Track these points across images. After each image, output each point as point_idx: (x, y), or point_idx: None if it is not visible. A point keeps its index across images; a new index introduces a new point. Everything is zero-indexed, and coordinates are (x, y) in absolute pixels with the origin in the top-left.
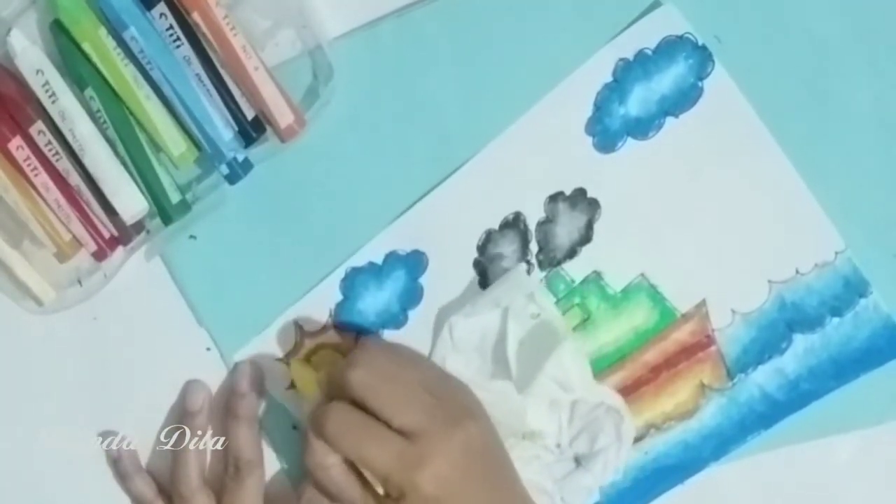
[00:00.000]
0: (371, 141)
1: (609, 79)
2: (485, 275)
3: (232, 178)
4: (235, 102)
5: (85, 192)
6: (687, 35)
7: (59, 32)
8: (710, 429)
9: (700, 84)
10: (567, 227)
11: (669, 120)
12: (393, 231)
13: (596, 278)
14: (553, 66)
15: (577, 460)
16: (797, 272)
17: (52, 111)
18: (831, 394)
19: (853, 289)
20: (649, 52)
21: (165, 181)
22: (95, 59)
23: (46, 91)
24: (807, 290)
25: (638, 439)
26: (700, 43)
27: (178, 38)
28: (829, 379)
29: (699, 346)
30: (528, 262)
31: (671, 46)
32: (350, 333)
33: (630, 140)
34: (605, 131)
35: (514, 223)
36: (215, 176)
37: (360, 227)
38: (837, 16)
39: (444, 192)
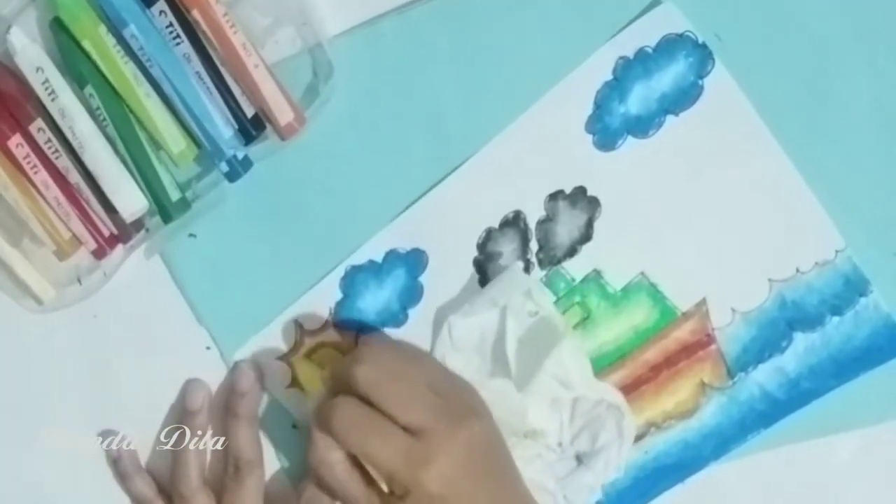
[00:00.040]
0: (371, 139)
1: (609, 77)
2: (485, 273)
3: (232, 176)
4: (235, 100)
5: (84, 190)
6: (687, 33)
7: (58, 30)
8: (710, 428)
9: (700, 82)
10: (567, 226)
11: (670, 118)
12: (393, 229)
13: (596, 277)
14: (553, 64)
15: (579, 458)
16: (797, 271)
17: (52, 109)
18: (831, 393)
19: (853, 287)
20: (649, 51)
21: (165, 179)
22: (95, 56)
23: (46, 89)
24: (807, 288)
25: (638, 438)
26: (700, 41)
27: (178, 36)
28: (829, 378)
29: (699, 344)
30: (528, 261)
31: (671, 45)
32: (350, 332)
33: (630, 138)
34: (606, 129)
35: (514, 221)
36: (215, 174)
37: (360, 225)
38: (837, 15)
39: (444, 191)
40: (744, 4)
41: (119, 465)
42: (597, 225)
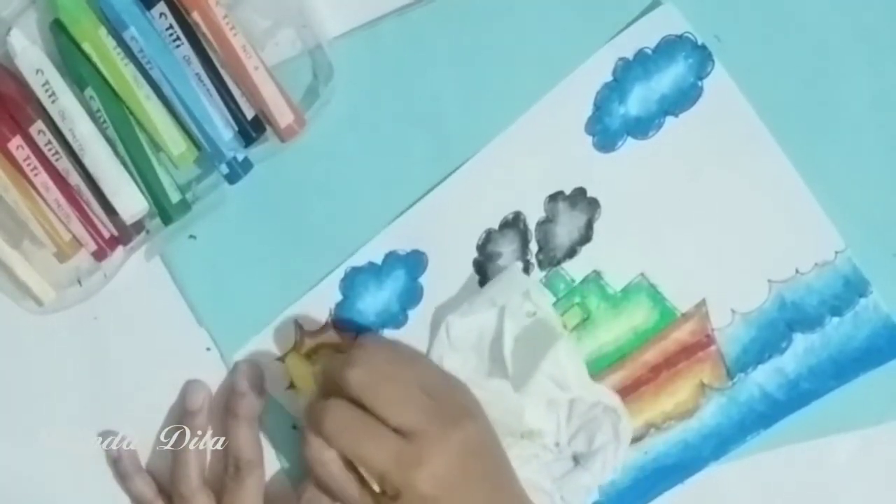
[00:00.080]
0: (371, 141)
1: (609, 78)
2: (485, 274)
3: (232, 178)
4: (235, 102)
5: (85, 192)
6: (687, 34)
7: (59, 32)
8: (710, 428)
9: (700, 83)
10: (567, 227)
11: (669, 119)
12: (393, 231)
13: (596, 278)
14: (553, 65)
15: (576, 459)
16: (797, 272)
17: (52, 111)
18: (831, 393)
19: (853, 288)
20: (649, 52)
21: (165, 181)
22: (95, 58)
23: (46, 91)
24: (807, 289)
25: (638, 439)
26: (700, 42)
27: (178, 38)
28: (828, 378)
29: (699, 345)
30: (528, 262)
31: (671, 46)
32: (350, 333)
33: (630, 139)
34: (605, 131)
35: (513, 223)
36: (215, 175)
37: (360, 226)
38: (837, 16)
39: (444, 192)
40: (743, 5)
41: (119, 465)
42: (596, 226)
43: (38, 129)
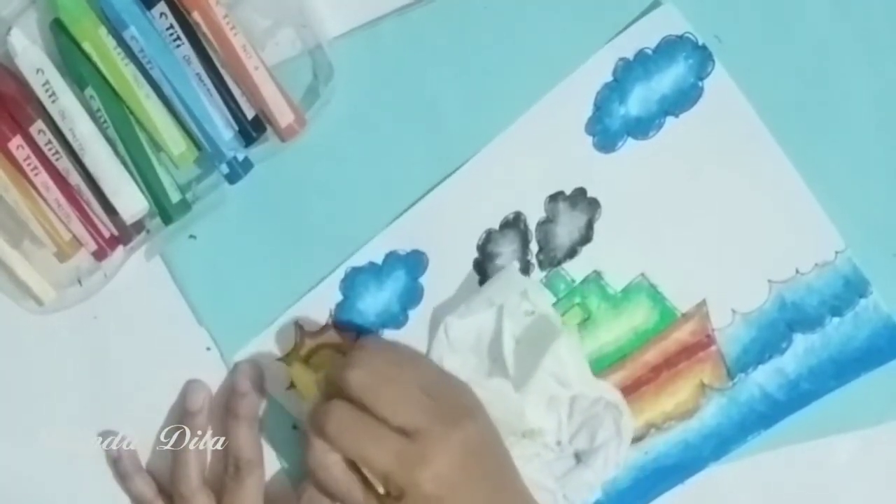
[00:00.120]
0: (371, 140)
1: (609, 78)
2: (485, 274)
3: (232, 178)
4: (235, 102)
5: (85, 192)
6: (687, 35)
7: (59, 32)
8: (710, 428)
9: (700, 84)
10: (567, 227)
11: (669, 120)
12: (393, 231)
13: (596, 278)
14: (553, 65)
15: (578, 457)
16: (797, 272)
17: (53, 110)
18: (831, 394)
19: (853, 288)
20: (649, 52)
21: (165, 181)
22: (95, 58)
23: (46, 90)
24: (807, 289)
25: (638, 439)
26: (700, 42)
27: (179, 38)
28: (829, 379)
29: (699, 345)
30: (529, 262)
31: (671, 46)
32: (350, 333)
33: (630, 140)
34: (606, 131)
35: (514, 223)
36: (215, 175)
37: (360, 226)
38: (837, 16)
39: (444, 192)
40: (744, 6)
41: (119, 465)
42: (597, 226)
43: (38, 128)
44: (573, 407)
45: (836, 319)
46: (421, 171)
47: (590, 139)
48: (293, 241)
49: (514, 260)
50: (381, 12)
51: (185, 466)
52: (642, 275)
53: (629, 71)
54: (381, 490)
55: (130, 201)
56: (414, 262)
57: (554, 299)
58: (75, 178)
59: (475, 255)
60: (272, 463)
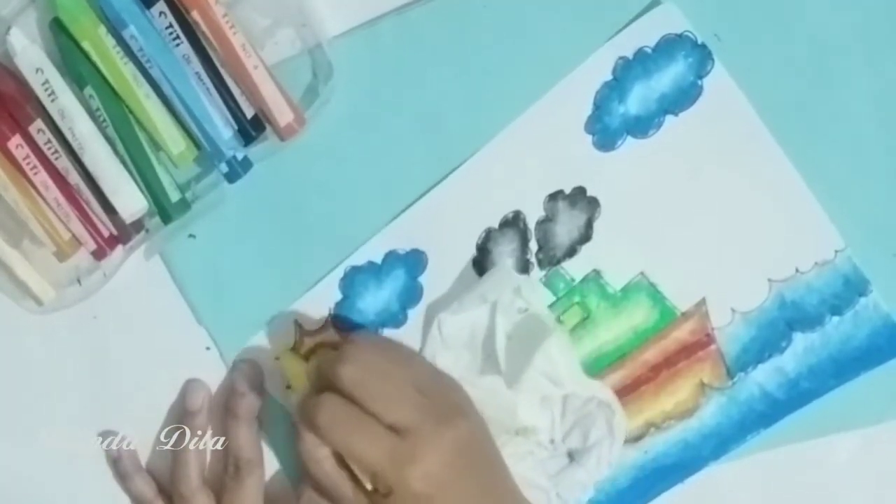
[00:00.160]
0: (371, 140)
1: (609, 77)
2: (484, 273)
3: (231, 177)
4: (235, 101)
5: (84, 191)
6: (686, 33)
7: (58, 31)
8: (709, 428)
9: (700, 82)
10: (567, 226)
11: (669, 118)
12: (392, 230)
13: (596, 277)
14: (553, 64)
15: (571, 455)
16: (797, 271)
17: (52, 110)
18: (831, 392)
19: (853, 287)
20: (649, 51)
21: (165, 180)
22: (95, 57)
23: (46, 90)
24: (807, 288)
25: (638, 438)
26: (700, 41)
27: (178, 37)
28: (829, 378)
29: (699, 344)
30: (528, 261)
31: (671, 45)
32: (349, 332)
33: (630, 138)
34: (605, 130)
35: (513, 222)
36: (215, 174)
37: (360, 225)
38: (837, 15)
39: (444, 191)
40: (743, 4)
41: (119, 465)
42: (596, 225)
43: (37, 127)
44: (566, 406)
45: (835, 318)
46: (420, 171)
47: (589, 138)
48: (292, 240)
49: (516, 259)
50: (381, 11)
51: (185, 466)
52: (642, 274)
53: (629, 70)
54: (368, 486)
55: (130, 200)
56: (413, 262)
57: (548, 296)
58: (74, 178)
59: (474, 254)
60: (272, 463)
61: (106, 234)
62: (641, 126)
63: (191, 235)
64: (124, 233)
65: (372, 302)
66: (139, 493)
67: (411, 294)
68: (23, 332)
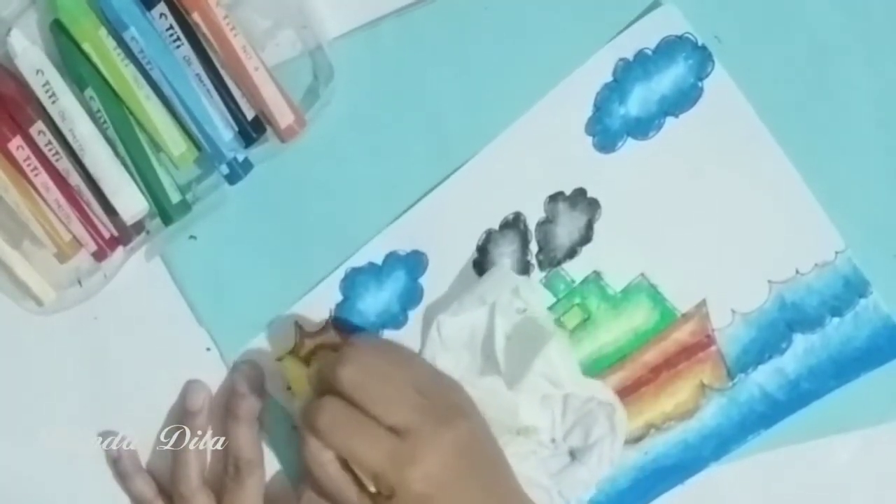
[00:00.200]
0: (371, 141)
1: (609, 79)
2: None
3: (232, 179)
4: (235, 102)
5: (85, 193)
6: (687, 35)
7: (59, 32)
8: (710, 429)
9: (700, 84)
10: (567, 227)
11: (669, 120)
12: (393, 231)
13: (596, 278)
14: (553, 66)
15: (572, 454)
16: (797, 272)
17: (53, 111)
18: (831, 394)
19: (853, 289)
20: (649, 52)
21: (165, 181)
22: (95, 59)
23: (46, 91)
24: (807, 289)
25: (638, 439)
26: (700, 43)
27: (178, 39)
28: (829, 379)
29: (699, 346)
30: (528, 263)
31: (671, 46)
32: (350, 334)
33: (630, 140)
34: (605, 131)
35: (514, 223)
36: (215, 176)
37: (360, 227)
38: (837, 15)
39: (444, 193)
40: (744, 6)
41: (119, 465)
42: (597, 226)
43: (38, 129)
44: (567, 404)
45: (836, 319)
46: (421, 172)
47: (590, 139)
48: (293, 241)
49: (516, 261)
50: (382, 13)
51: (185, 466)
52: (642, 275)
53: (629, 71)
54: (371, 488)
55: (130, 202)
56: (414, 263)
57: (548, 297)
58: (75, 179)
59: (475, 255)
60: (272, 463)
61: (106, 235)
62: (642, 127)
63: (191, 237)
64: (125, 234)
65: (372, 303)
66: (139, 493)
67: (412, 295)
68: (23, 333)
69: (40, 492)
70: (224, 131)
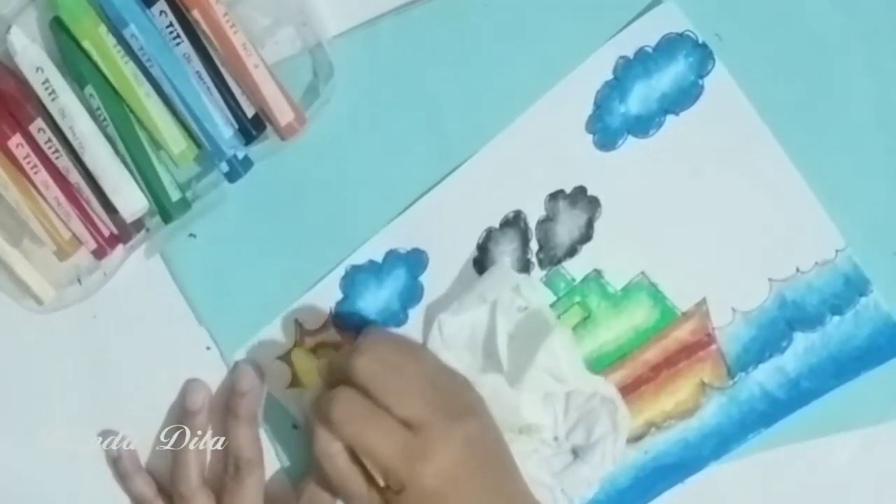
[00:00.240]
0: (371, 139)
1: (609, 76)
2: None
3: (232, 176)
4: (235, 100)
5: (85, 190)
6: (687, 33)
7: (58, 30)
8: (710, 427)
9: (700, 82)
10: (567, 226)
11: (670, 118)
12: (393, 229)
13: (596, 277)
14: (553, 63)
15: (575, 452)
16: (798, 270)
17: (52, 109)
18: (832, 392)
19: (853, 287)
20: (650, 50)
21: (165, 179)
22: (95, 56)
23: (46, 89)
24: (807, 288)
25: (638, 438)
26: (700, 41)
27: (178, 36)
28: (829, 377)
29: (699, 344)
30: (529, 261)
31: (672, 44)
32: (350, 332)
33: (630, 138)
34: (606, 129)
35: (514, 221)
36: (215, 174)
37: (361, 225)
38: (837, 14)
39: (445, 191)
40: (744, 4)
41: (119, 465)
42: (597, 225)
43: (38, 127)
44: (569, 402)
45: (836, 318)
46: (421, 170)
47: (590, 137)
48: (293, 239)
49: (516, 259)
50: (381, 11)
51: (185, 466)
52: (642, 273)
53: (629, 69)
54: (381, 482)
55: (130, 200)
56: (414, 261)
57: (548, 295)
58: (75, 177)
59: (475, 253)
60: (272, 463)
61: (106, 233)
62: (642, 125)
63: (191, 235)
64: (125, 232)
65: (372, 301)
66: (139, 493)
67: (412, 293)
68: (23, 332)
69: (40, 492)
70: (224, 129)
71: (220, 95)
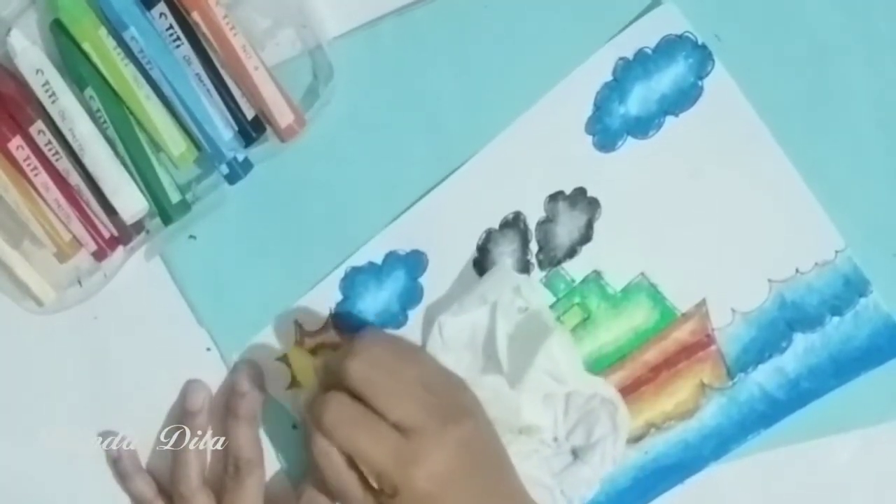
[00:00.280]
0: (371, 140)
1: (609, 78)
2: (484, 274)
3: (232, 178)
4: (235, 102)
5: (85, 192)
6: (687, 34)
7: (59, 32)
8: (710, 428)
9: (700, 83)
10: (567, 227)
11: (669, 119)
12: (393, 231)
13: (596, 278)
14: (553, 65)
15: (575, 453)
16: (797, 271)
17: (52, 111)
18: (831, 393)
19: (853, 288)
20: (649, 51)
21: (165, 181)
22: (95, 58)
23: (46, 91)
24: (807, 289)
25: (638, 439)
26: (700, 42)
27: (178, 38)
28: (829, 378)
29: (699, 345)
30: (528, 262)
31: (671, 45)
32: (350, 333)
33: (630, 139)
34: (605, 130)
35: (514, 223)
36: (215, 176)
37: (360, 226)
38: (837, 15)
39: (444, 192)
40: (744, 5)
41: (119, 465)
42: (597, 226)
43: (38, 129)
44: (569, 403)
45: (836, 319)
46: (421, 171)
47: (590, 139)
48: (293, 241)
49: (516, 260)
50: (381, 12)
51: (185, 466)
52: (642, 274)
53: (629, 70)
54: (374, 485)
55: (130, 201)
56: (414, 262)
57: (548, 296)
58: (75, 179)
59: (475, 254)
60: (272, 463)
61: (106, 235)
62: (642, 127)
63: (191, 236)
64: (125, 234)
65: (372, 302)
66: (139, 493)
67: (412, 295)
68: (23, 333)
69: (40, 492)
70: (224, 131)
71: (220, 97)
